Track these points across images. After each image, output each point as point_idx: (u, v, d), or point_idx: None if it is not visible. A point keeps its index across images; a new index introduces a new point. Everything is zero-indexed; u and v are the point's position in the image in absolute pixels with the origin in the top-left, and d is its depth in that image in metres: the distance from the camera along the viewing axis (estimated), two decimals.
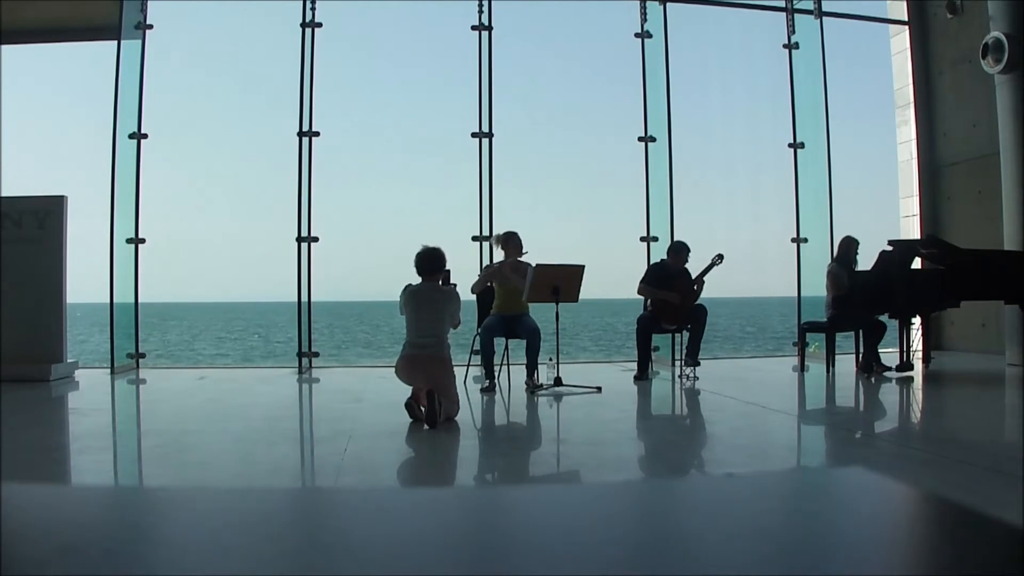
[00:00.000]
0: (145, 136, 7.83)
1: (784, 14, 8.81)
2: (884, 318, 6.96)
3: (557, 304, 6.08)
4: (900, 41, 9.50)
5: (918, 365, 7.05)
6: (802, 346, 7.48)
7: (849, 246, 7.12)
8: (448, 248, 5.09)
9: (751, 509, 0.70)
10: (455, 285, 5.08)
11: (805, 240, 8.62)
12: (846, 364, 7.24)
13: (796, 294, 8.61)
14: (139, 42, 7.85)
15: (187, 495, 0.84)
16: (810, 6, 8.69)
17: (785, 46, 8.74)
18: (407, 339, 4.92)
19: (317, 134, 7.95)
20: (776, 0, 8.96)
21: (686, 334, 6.89)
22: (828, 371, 6.97)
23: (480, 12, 8.18)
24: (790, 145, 8.70)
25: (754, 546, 0.59)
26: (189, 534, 0.63)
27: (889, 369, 6.77)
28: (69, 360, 7.10)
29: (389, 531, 0.62)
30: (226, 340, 37.35)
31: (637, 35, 8.54)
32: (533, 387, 6.00)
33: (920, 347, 7.16)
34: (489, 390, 6.02)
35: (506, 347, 6.40)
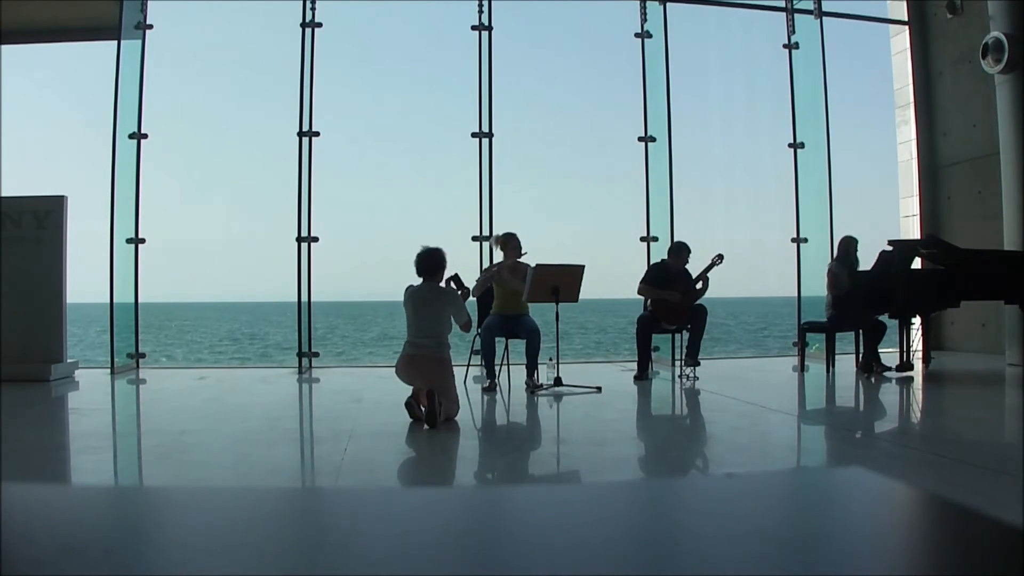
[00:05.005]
0: (145, 136, 7.83)
1: (784, 14, 8.81)
2: (884, 318, 6.96)
3: (557, 304, 6.08)
4: (900, 41, 9.50)
5: (918, 365, 7.05)
6: (802, 346, 7.48)
7: (849, 245, 7.11)
8: (448, 248, 5.10)
9: (751, 509, 0.70)
10: (460, 291, 5.11)
11: (805, 240, 8.63)
12: (846, 364, 7.24)
13: (796, 294, 8.62)
14: (139, 42, 7.86)
15: (187, 495, 0.84)
16: (810, 6, 8.69)
17: (785, 46, 8.74)
18: (407, 339, 4.92)
19: (317, 134, 7.95)
20: (776, 0, 8.97)
21: (686, 334, 6.89)
22: (828, 371, 6.97)
23: (480, 12, 8.18)
24: (790, 145, 8.70)
25: (754, 546, 0.59)
26: (189, 534, 0.63)
27: (889, 369, 6.77)
28: (69, 360, 7.10)
29: (389, 531, 0.62)
30: (226, 340, 37.32)
31: (637, 35, 8.55)
32: (533, 387, 6.00)
33: (920, 347, 7.16)
34: (489, 390, 6.03)
35: (506, 347, 6.40)
